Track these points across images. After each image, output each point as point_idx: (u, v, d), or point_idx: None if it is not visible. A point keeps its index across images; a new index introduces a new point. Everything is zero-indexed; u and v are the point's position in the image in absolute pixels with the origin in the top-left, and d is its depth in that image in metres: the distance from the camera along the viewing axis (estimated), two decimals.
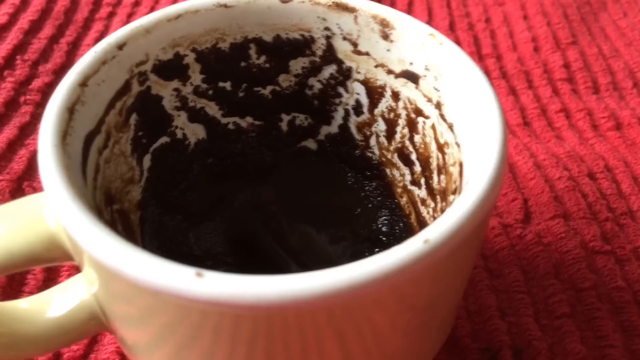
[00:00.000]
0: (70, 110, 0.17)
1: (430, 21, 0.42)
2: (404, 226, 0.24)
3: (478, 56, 0.39)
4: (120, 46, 0.19)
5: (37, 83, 0.34)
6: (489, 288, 0.26)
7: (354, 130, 0.24)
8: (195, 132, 0.24)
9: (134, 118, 0.21)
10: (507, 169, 0.31)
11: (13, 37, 0.36)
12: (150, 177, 0.22)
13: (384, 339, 0.17)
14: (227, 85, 0.23)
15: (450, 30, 0.41)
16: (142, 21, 0.20)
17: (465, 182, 0.17)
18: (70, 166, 0.16)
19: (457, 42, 0.40)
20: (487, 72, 0.38)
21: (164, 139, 0.23)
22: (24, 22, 0.38)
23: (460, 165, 0.19)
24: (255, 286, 0.13)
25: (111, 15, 0.41)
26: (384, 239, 0.25)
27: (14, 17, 0.38)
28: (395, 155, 0.23)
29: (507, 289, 0.26)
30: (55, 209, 0.15)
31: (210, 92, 0.23)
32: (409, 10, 0.43)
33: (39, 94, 0.34)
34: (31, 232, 0.17)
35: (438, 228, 0.15)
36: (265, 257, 0.25)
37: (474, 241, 0.17)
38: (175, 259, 0.23)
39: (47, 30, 0.38)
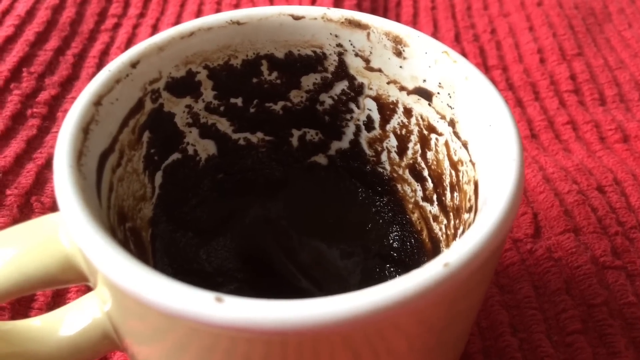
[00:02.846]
0: (85, 130, 0.17)
1: (435, 33, 0.42)
2: (416, 242, 0.24)
3: (484, 68, 0.39)
4: (134, 64, 0.19)
5: (43, 96, 0.34)
6: (500, 304, 0.26)
7: (364, 145, 0.24)
8: (206, 148, 0.24)
9: (146, 135, 0.21)
10: None
11: (19, 49, 0.36)
12: (162, 194, 0.22)
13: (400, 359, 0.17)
14: (239, 101, 0.23)
15: (456, 42, 0.41)
16: (155, 39, 0.20)
17: (483, 202, 0.17)
18: (85, 187, 0.16)
19: (463, 53, 0.40)
20: (493, 84, 0.38)
21: (175, 156, 0.23)
22: (29, 34, 0.37)
23: (476, 183, 0.19)
24: (275, 312, 0.13)
25: (116, 26, 0.41)
26: (395, 254, 0.24)
27: (19, 29, 0.38)
28: (407, 171, 0.23)
29: (518, 305, 0.26)
30: (72, 232, 0.15)
31: (222, 108, 0.23)
32: (414, 21, 0.43)
33: (46, 106, 0.34)
34: (46, 253, 0.16)
35: (458, 251, 0.14)
36: (276, 272, 0.25)
37: (492, 262, 0.17)
38: (186, 276, 0.23)
39: (53, 42, 0.38)
